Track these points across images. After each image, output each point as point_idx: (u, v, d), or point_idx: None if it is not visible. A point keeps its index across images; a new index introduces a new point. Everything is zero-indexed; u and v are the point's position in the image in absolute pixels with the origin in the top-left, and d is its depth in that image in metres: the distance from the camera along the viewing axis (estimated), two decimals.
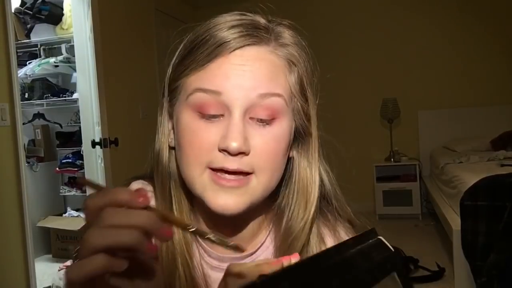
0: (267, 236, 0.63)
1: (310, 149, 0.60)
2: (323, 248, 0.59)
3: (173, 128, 0.59)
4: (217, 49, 0.53)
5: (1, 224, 2.20)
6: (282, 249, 0.59)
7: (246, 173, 0.53)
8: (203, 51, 0.54)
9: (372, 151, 4.49)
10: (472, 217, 2.37)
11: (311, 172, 0.59)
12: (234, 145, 0.50)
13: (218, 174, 0.53)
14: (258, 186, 0.54)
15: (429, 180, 4.12)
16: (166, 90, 0.60)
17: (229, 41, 0.53)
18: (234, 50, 0.53)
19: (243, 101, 0.52)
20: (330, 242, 0.61)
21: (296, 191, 0.60)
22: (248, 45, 0.53)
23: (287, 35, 0.57)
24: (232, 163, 0.51)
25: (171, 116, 0.59)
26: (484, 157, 3.31)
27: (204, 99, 0.52)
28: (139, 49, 3.70)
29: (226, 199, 0.52)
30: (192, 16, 4.65)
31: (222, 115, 0.53)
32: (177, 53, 0.59)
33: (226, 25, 0.54)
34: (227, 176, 0.52)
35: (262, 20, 0.56)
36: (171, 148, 0.60)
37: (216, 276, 0.58)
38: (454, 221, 2.57)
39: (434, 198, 3.46)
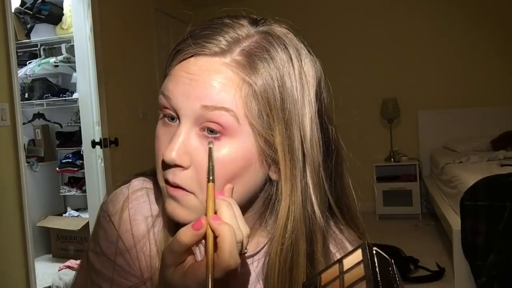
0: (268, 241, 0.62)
1: (287, 179, 0.53)
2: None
3: None
4: (175, 55, 0.53)
5: (1, 224, 2.21)
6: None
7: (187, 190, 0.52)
8: (169, 56, 0.55)
9: (372, 151, 4.48)
10: (472, 217, 2.37)
11: (291, 205, 0.53)
12: (168, 155, 0.49)
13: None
14: (200, 205, 0.51)
15: (429, 180, 4.12)
16: None
17: (183, 48, 0.52)
18: (189, 57, 0.52)
19: (188, 110, 0.50)
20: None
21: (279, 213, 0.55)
22: (204, 54, 0.51)
23: (262, 50, 0.51)
24: (169, 175, 0.51)
25: None
26: (484, 157, 3.31)
27: (162, 101, 0.53)
28: (139, 49, 3.70)
29: (174, 207, 0.53)
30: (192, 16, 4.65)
31: (179, 119, 0.52)
32: None
33: (195, 31, 0.53)
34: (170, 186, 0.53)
35: (240, 31, 0.52)
36: None
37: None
38: (454, 221, 2.57)
39: (434, 198, 3.46)
